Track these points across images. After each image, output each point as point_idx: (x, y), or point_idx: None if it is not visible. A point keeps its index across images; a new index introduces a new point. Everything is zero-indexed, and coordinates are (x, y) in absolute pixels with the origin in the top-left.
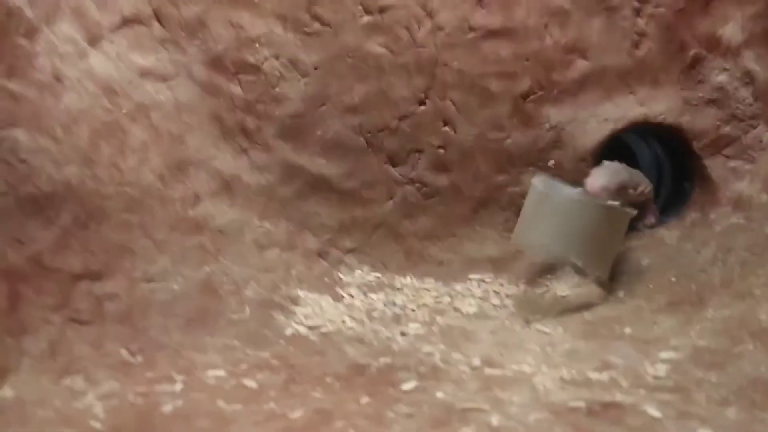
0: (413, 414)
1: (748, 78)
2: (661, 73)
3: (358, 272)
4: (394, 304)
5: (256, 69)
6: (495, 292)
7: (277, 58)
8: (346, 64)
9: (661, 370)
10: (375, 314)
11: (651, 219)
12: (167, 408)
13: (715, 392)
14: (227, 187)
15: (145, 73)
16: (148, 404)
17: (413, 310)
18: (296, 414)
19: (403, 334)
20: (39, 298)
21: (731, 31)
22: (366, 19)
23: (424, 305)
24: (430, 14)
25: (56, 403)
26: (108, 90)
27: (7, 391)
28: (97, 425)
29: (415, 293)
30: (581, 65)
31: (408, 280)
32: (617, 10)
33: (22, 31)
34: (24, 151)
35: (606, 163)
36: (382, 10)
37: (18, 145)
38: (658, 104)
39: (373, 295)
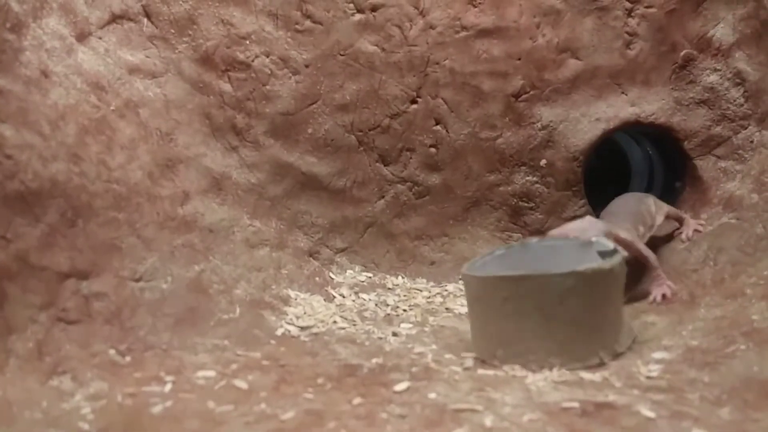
0: (406, 415)
1: (739, 78)
2: (652, 74)
3: (349, 272)
4: (386, 304)
5: (246, 66)
6: None
7: (267, 55)
8: (337, 62)
9: (654, 370)
10: (367, 314)
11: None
12: (156, 409)
13: (708, 392)
14: (217, 185)
15: (133, 70)
16: (136, 405)
17: (405, 311)
18: (287, 415)
19: (395, 334)
20: (25, 296)
21: (722, 31)
22: (358, 17)
23: (416, 305)
24: (422, 13)
25: (43, 403)
26: (96, 86)
27: None
28: (85, 426)
29: (407, 293)
30: (573, 65)
31: (400, 279)
32: (609, 10)
33: (9, 26)
34: (10, 147)
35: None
36: (373, 8)
37: (4, 141)
38: (649, 104)
39: (364, 295)
